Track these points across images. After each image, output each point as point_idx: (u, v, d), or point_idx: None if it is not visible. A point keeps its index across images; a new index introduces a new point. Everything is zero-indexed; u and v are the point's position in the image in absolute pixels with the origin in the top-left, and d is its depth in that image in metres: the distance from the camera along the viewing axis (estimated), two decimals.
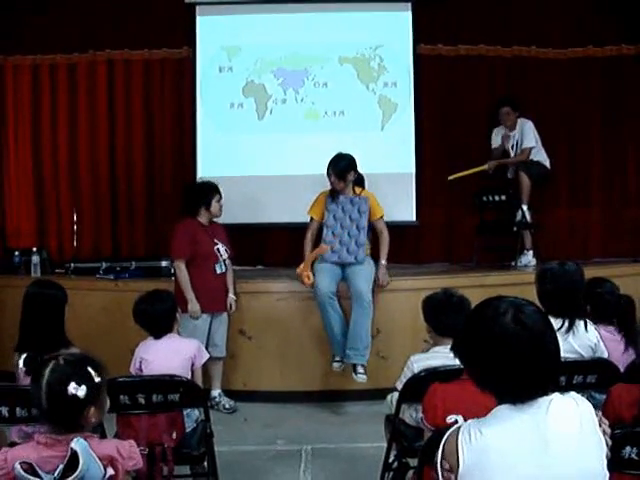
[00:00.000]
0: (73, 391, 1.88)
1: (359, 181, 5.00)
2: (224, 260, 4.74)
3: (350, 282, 4.71)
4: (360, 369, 4.61)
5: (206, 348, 4.48)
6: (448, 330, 2.80)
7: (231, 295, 4.81)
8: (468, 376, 1.71)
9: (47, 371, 1.91)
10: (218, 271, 4.71)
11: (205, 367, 4.35)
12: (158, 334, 3.30)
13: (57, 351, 2.46)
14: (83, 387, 1.89)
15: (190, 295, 4.56)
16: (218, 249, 4.72)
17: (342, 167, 4.79)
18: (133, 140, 6.51)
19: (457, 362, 2.43)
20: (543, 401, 1.57)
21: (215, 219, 4.85)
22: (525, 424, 1.54)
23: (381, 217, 4.93)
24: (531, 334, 1.57)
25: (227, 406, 4.76)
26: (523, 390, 1.57)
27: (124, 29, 6.38)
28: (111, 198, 6.51)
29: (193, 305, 4.56)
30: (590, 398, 2.52)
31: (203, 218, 4.76)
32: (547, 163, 5.96)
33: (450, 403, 2.24)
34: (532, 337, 1.57)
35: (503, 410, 1.58)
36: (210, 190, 4.80)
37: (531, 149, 5.86)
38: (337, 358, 4.74)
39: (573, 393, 1.65)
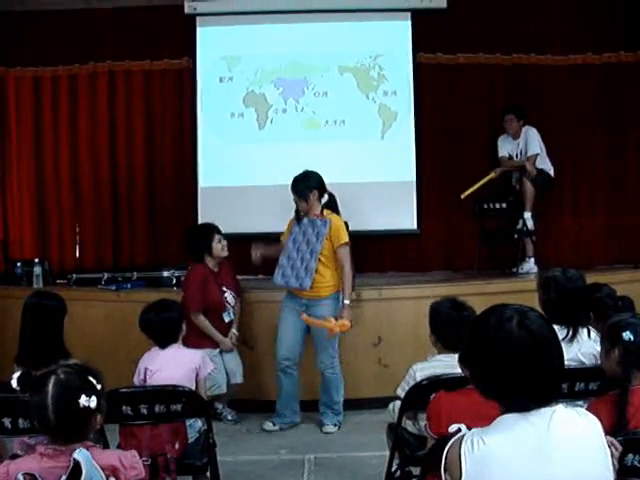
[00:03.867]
0: (85, 403, 1.90)
1: (331, 203, 4.55)
2: (232, 307, 4.70)
3: (315, 346, 4.54)
4: (330, 427, 4.57)
5: (228, 380, 4.60)
6: (456, 344, 2.75)
7: (233, 330, 4.72)
8: (473, 385, 1.71)
9: (50, 387, 1.91)
10: (226, 320, 4.65)
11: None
12: (164, 344, 3.29)
13: (56, 362, 2.46)
14: (94, 398, 1.92)
15: (218, 337, 4.55)
16: (226, 297, 4.65)
17: (302, 186, 4.46)
18: (134, 150, 6.53)
19: (459, 371, 2.45)
20: (546, 411, 1.56)
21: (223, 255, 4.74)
22: (528, 434, 1.54)
23: (343, 245, 4.41)
24: (537, 340, 1.57)
25: (230, 417, 4.75)
26: (528, 398, 1.56)
27: (124, 40, 6.41)
28: (112, 208, 6.52)
29: (225, 344, 4.58)
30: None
31: (210, 262, 4.66)
32: (551, 172, 5.96)
33: (455, 412, 2.23)
34: (538, 343, 1.57)
35: (506, 419, 1.57)
36: (208, 233, 4.68)
37: (536, 156, 5.87)
38: (273, 420, 4.58)
39: (579, 408, 1.65)
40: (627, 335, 2.30)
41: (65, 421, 1.90)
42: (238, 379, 4.70)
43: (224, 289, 4.66)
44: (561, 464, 1.52)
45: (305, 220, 4.49)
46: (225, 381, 4.56)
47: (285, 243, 4.55)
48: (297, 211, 4.55)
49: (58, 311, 3.08)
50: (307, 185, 4.46)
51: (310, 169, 4.56)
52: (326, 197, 4.50)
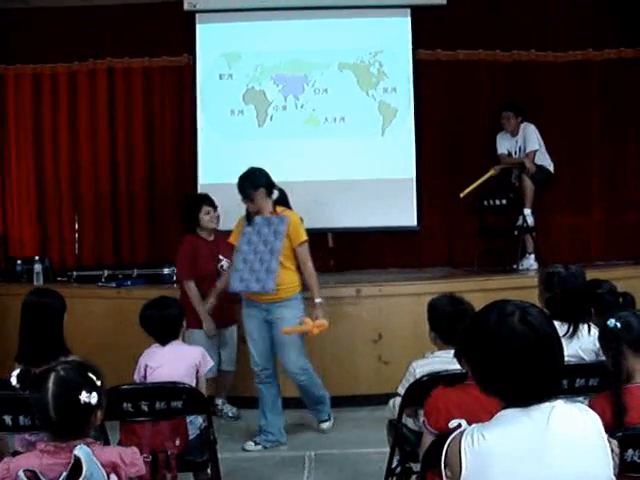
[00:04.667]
0: (86, 399, 1.91)
1: (282, 199, 4.32)
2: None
3: (277, 352, 4.27)
4: (326, 424, 4.47)
5: (219, 363, 4.55)
6: (457, 338, 2.75)
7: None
8: (473, 381, 1.71)
9: (50, 384, 1.91)
10: None
11: (214, 378, 4.36)
12: (164, 340, 3.30)
13: (56, 359, 2.46)
14: (94, 394, 1.92)
15: (204, 314, 4.48)
16: (222, 266, 4.60)
17: (248, 185, 4.20)
18: (134, 148, 6.53)
19: (458, 367, 2.45)
20: (546, 407, 1.57)
21: (216, 228, 4.72)
22: (528, 429, 1.54)
23: (303, 242, 4.16)
24: (538, 335, 1.57)
25: (230, 414, 4.76)
26: (528, 393, 1.57)
27: (124, 37, 6.41)
28: (112, 206, 6.52)
29: (208, 324, 4.50)
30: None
31: (202, 233, 4.64)
32: (551, 168, 5.96)
33: (453, 407, 2.23)
34: (539, 338, 1.57)
35: (506, 415, 1.58)
36: (196, 204, 4.65)
37: (535, 152, 5.86)
38: (255, 439, 4.25)
39: (579, 404, 1.65)
40: (612, 322, 2.31)
41: (66, 418, 1.90)
42: (229, 366, 4.69)
43: (220, 257, 4.61)
44: (561, 459, 1.53)
45: (258, 219, 4.19)
46: (216, 365, 4.49)
47: (238, 246, 4.21)
48: (247, 211, 4.28)
49: (57, 308, 3.07)
50: (253, 184, 4.19)
51: (246, 173, 4.29)
52: (276, 193, 4.25)
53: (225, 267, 4.58)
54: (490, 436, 1.54)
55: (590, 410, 1.64)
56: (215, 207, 4.70)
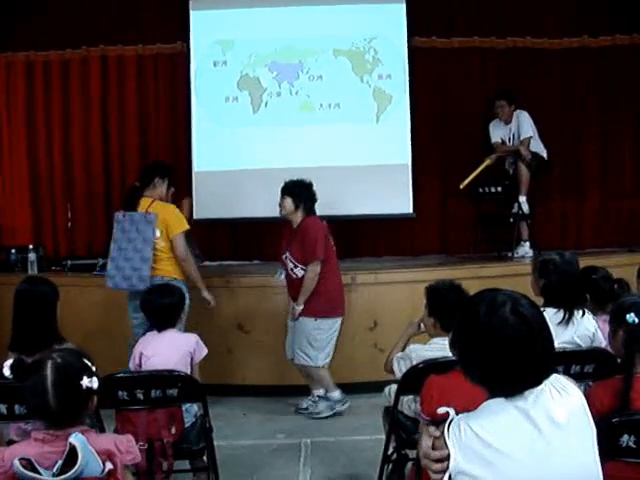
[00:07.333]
0: (88, 384, 1.91)
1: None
2: (290, 269, 4.51)
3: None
4: None
5: None
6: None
7: (294, 304, 4.53)
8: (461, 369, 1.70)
9: (48, 372, 1.90)
10: (274, 277, 4.67)
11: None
12: (161, 327, 3.30)
13: (50, 347, 2.45)
14: (94, 379, 1.93)
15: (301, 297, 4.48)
16: (284, 258, 4.54)
17: None
18: (127, 136, 6.49)
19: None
20: (530, 394, 1.55)
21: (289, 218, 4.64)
22: (514, 417, 1.53)
23: None
24: (530, 326, 1.56)
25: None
26: (518, 383, 1.55)
27: (117, 25, 6.35)
28: (105, 194, 6.49)
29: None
30: (588, 388, 2.52)
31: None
32: (544, 154, 5.96)
33: (446, 393, 2.23)
34: (530, 329, 1.56)
35: (492, 404, 1.57)
36: None
37: (530, 139, 5.86)
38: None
39: (564, 381, 1.64)
40: (631, 317, 2.26)
41: (66, 404, 1.89)
42: (287, 354, 4.65)
43: (286, 249, 4.55)
44: (548, 446, 1.52)
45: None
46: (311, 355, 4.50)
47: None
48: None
49: (50, 296, 3.06)
50: None
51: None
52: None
53: (286, 261, 4.51)
54: (476, 427, 1.53)
55: (572, 388, 1.62)
56: (284, 194, 4.63)
